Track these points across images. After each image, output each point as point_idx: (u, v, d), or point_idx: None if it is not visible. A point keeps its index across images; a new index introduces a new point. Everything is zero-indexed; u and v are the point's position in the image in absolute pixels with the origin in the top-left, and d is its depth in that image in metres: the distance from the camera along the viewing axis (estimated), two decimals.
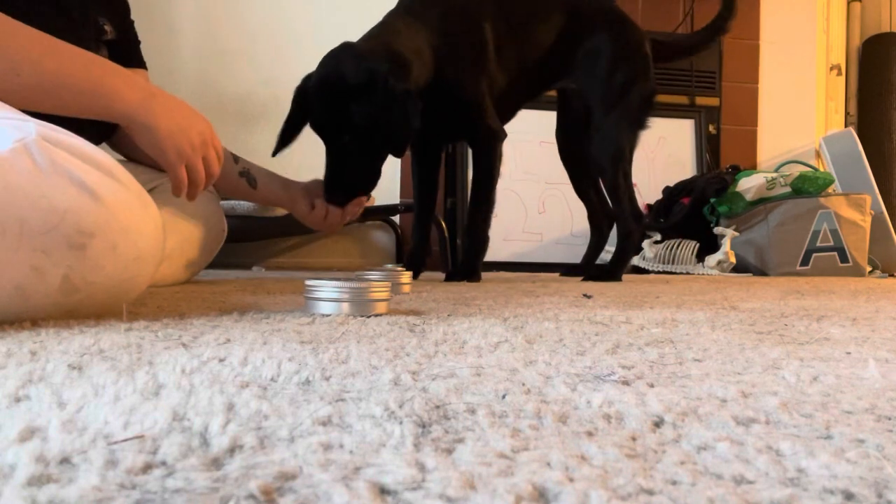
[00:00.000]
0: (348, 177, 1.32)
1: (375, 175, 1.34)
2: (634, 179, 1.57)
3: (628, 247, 1.63)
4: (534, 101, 1.66)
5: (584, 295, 1.04)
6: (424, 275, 1.63)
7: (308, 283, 0.68)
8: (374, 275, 0.95)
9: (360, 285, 0.66)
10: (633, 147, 1.59)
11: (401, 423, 0.25)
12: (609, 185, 1.60)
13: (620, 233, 1.63)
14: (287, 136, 1.35)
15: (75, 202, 0.54)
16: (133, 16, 1.20)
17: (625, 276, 1.90)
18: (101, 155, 0.59)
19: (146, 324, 0.55)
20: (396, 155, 1.32)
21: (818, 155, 3.15)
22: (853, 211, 2.47)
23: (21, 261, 0.51)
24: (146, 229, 0.60)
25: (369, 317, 0.64)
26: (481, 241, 1.50)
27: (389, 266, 1.18)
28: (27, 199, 0.51)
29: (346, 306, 0.65)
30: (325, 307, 0.66)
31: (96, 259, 0.55)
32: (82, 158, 0.57)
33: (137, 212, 0.59)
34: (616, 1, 1.76)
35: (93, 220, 0.54)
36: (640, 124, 1.60)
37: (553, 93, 1.77)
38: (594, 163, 1.63)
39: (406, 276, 1.02)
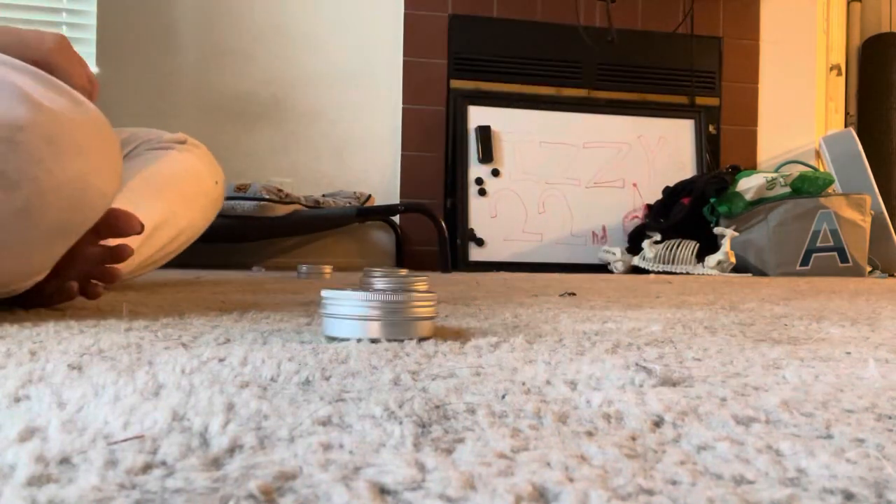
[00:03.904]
0: None
1: None
2: (634, 179, 1.55)
3: None
4: (531, 101, 1.63)
5: (567, 293, 1.03)
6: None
7: (325, 293, 0.48)
8: (384, 279, 0.87)
9: (398, 298, 0.47)
10: None
11: (401, 423, 0.25)
12: None
13: None
14: None
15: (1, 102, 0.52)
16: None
17: (625, 276, 1.90)
18: (35, 69, 0.58)
19: (146, 324, 0.55)
20: None
21: (818, 155, 3.15)
22: (853, 211, 2.47)
23: None
24: (80, 119, 0.58)
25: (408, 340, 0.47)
26: None
27: (403, 272, 1.02)
28: None
29: (376, 327, 0.46)
30: (347, 328, 0.46)
31: (31, 151, 0.53)
32: (14, 67, 0.55)
33: (67, 104, 0.57)
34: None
35: (21, 115, 0.53)
36: None
37: (554, 91, 1.71)
38: None
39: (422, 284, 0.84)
